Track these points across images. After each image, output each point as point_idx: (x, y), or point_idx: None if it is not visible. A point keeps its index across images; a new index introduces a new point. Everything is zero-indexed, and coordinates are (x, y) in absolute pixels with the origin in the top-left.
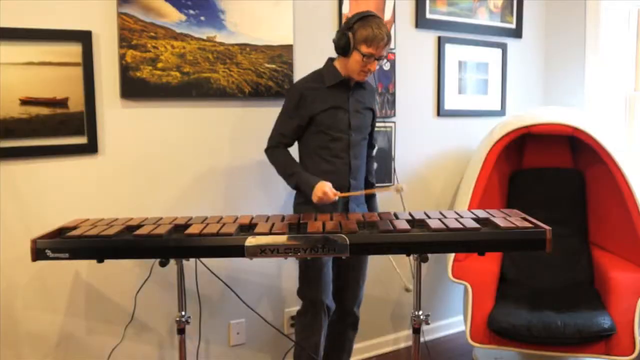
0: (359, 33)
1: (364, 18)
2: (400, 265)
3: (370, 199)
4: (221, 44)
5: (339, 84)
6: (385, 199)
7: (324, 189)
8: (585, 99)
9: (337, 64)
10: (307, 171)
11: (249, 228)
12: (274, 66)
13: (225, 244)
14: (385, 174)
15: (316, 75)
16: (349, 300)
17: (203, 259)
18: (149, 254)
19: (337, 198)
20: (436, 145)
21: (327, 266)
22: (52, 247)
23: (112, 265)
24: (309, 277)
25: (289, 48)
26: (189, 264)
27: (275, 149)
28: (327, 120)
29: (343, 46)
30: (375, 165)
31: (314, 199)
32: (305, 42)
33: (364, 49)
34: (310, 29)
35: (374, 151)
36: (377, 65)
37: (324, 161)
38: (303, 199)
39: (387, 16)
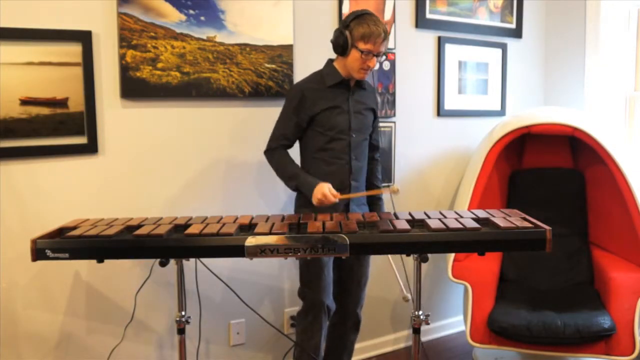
0: (355, 31)
1: (360, 16)
2: (400, 273)
3: (375, 204)
4: (221, 44)
5: (339, 84)
6: (385, 200)
7: (324, 191)
8: (585, 99)
9: (336, 64)
10: (308, 172)
11: (249, 228)
12: (274, 66)
13: (225, 244)
14: (385, 174)
15: (316, 76)
16: (351, 301)
17: (203, 259)
18: (149, 254)
19: (337, 200)
20: (436, 145)
21: (328, 267)
22: (52, 247)
23: (112, 265)
24: (309, 278)
25: (289, 48)
26: (189, 264)
27: (275, 151)
28: (327, 121)
29: (341, 45)
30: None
31: (314, 201)
32: (305, 42)
33: (362, 45)
34: (310, 29)
35: (378, 153)
36: (376, 61)
37: (324, 162)
38: (304, 201)
39: (387, 16)
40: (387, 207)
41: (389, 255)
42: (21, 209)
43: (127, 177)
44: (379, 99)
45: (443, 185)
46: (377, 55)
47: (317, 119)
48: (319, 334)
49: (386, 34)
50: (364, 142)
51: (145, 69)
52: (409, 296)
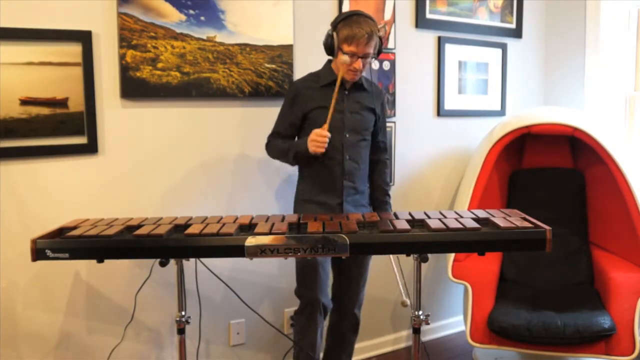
0: (341, 33)
1: (347, 17)
2: (400, 276)
3: (381, 208)
4: (221, 44)
5: (334, 83)
6: None
7: (312, 136)
8: (585, 99)
9: (333, 64)
10: (303, 171)
11: (249, 228)
12: (274, 66)
13: (225, 244)
14: None
15: (314, 75)
16: (349, 301)
17: (203, 259)
18: (149, 254)
19: (328, 135)
20: (436, 145)
21: (323, 266)
22: (52, 247)
23: (112, 265)
24: (304, 276)
25: (289, 48)
26: (189, 264)
27: (269, 143)
28: (319, 119)
29: (329, 46)
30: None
31: (311, 148)
32: (305, 42)
33: (346, 47)
34: (310, 29)
35: (386, 155)
36: (362, 63)
37: (317, 162)
38: (302, 198)
39: (387, 16)
40: (395, 207)
41: (392, 260)
42: (21, 209)
43: (127, 177)
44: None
45: (443, 185)
46: (364, 57)
47: (309, 117)
48: (314, 332)
49: (370, 36)
50: (362, 143)
51: (145, 69)
52: (408, 301)
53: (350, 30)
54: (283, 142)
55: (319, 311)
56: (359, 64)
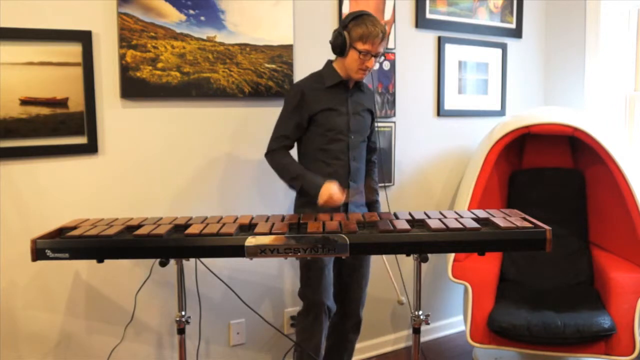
0: (354, 31)
1: (358, 17)
2: (395, 276)
3: (372, 206)
4: (221, 44)
5: (338, 85)
6: (384, 200)
7: (330, 192)
8: (585, 99)
9: (335, 65)
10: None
11: (249, 228)
12: (274, 66)
13: (225, 244)
14: (385, 174)
15: (316, 76)
16: (351, 302)
17: (203, 259)
18: (149, 254)
19: (341, 202)
20: (436, 145)
21: (329, 267)
22: (52, 247)
23: (112, 265)
24: (309, 278)
25: (289, 48)
26: (189, 264)
27: (275, 153)
28: (326, 121)
29: (340, 46)
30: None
31: (320, 201)
32: (305, 42)
33: (360, 46)
34: (310, 29)
35: (376, 155)
36: (374, 62)
37: (322, 163)
38: (304, 201)
39: (387, 16)
40: (383, 208)
41: (385, 260)
42: (21, 209)
43: (127, 177)
44: (378, 99)
45: (443, 185)
46: (376, 55)
47: (315, 119)
48: (319, 335)
49: (384, 35)
50: (362, 144)
51: (145, 69)
52: (404, 299)
53: (366, 28)
54: (293, 165)
55: (325, 313)
56: (372, 62)
